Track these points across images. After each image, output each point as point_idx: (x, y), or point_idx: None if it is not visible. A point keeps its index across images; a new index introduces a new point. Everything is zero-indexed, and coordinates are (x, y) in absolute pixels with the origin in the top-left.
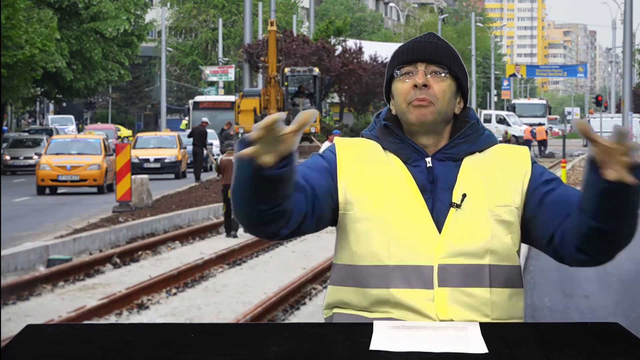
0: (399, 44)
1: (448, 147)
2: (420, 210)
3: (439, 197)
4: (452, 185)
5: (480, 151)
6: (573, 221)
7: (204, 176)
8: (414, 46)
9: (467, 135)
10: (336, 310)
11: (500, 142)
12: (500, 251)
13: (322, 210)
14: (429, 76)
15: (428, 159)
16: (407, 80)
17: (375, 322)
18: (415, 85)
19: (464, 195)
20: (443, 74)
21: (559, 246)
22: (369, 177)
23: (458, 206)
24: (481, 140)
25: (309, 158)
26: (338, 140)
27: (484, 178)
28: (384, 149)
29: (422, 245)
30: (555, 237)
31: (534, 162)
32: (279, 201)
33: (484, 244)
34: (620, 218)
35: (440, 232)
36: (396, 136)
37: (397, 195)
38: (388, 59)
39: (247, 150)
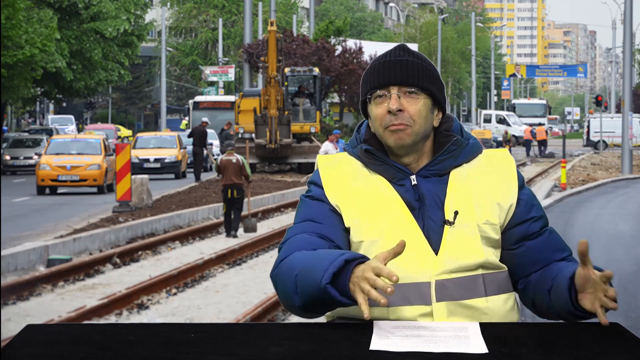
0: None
1: (432, 164)
2: (412, 230)
3: (428, 215)
4: (441, 201)
5: (467, 162)
6: (538, 290)
7: (204, 176)
8: (384, 67)
9: (450, 152)
10: (338, 318)
11: (500, 142)
12: (490, 262)
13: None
14: (402, 98)
15: (413, 177)
16: (382, 104)
17: (375, 322)
18: (389, 111)
19: (456, 213)
20: (417, 94)
21: (520, 291)
22: (359, 200)
23: (451, 223)
24: (466, 152)
25: (302, 208)
26: (321, 165)
27: (472, 193)
28: (368, 169)
29: (418, 263)
30: (519, 284)
31: (521, 185)
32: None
33: (477, 260)
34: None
35: (434, 249)
36: (378, 158)
37: (388, 215)
38: None
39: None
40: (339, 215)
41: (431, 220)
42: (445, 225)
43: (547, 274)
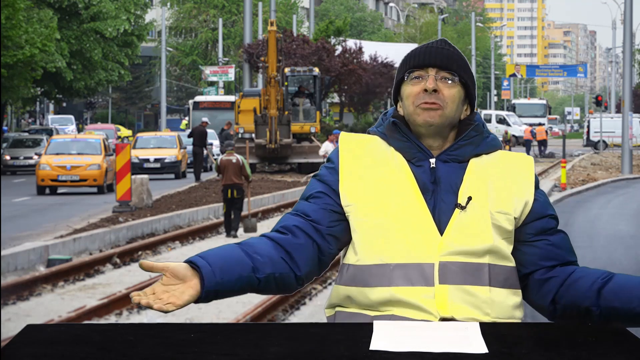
0: (399, 44)
1: (452, 149)
2: (420, 210)
3: (441, 198)
4: (456, 187)
5: (486, 153)
6: (577, 287)
7: (204, 176)
8: (426, 51)
9: (471, 137)
10: (339, 309)
11: (500, 142)
12: (498, 252)
13: (335, 232)
14: (439, 81)
15: (432, 160)
16: (418, 84)
17: (375, 322)
18: (425, 90)
19: (469, 198)
20: (453, 81)
21: (532, 284)
22: (371, 178)
23: (463, 208)
24: (486, 143)
25: (309, 185)
26: (343, 140)
27: (490, 182)
28: (390, 145)
29: (423, 244)
30: (534, 276)
31: (537, 186)
32: (256, 286)
33: (484, 245)
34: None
35: (442, 232)
36: (403, 134)
37: (398, 195)
38: (388, 59)
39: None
40: (335, 193)
41: (444, 203)
42: (456, 209)
43: (591, 274)
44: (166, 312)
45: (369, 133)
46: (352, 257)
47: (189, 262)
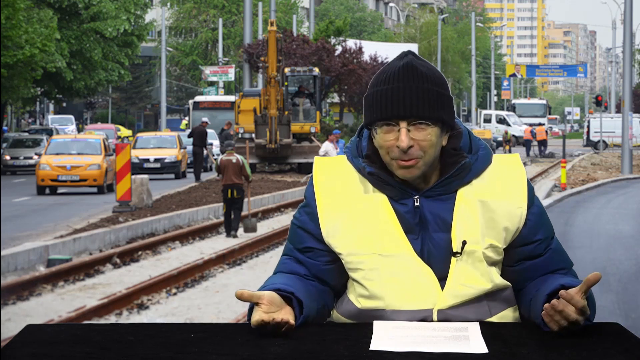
0: (399, 44)
1: (438, 186)
2: (409, 256)
3: (429, 238)
4: (444, 224)
5: (476, 177)
6: (521, 299)
7: (204, 176)
8: (392, 96)
9: (456, 174)
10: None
11: (500, 142)
12: (496, 286)
13: (338, 274)
14: (412, 130)
15: (416, 197)
16: (389, 132)
17: (375, 322)
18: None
19: (464, 243)
20: (428, 124)
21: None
22: (353, 218)
23: (460, 254)
24: (475, 168)
25: (290, 234)
26: (317, 172)
27: (480, 216)
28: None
29: (420, 293)
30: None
31: (531, 202)
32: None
33: (483, 289)
34: None
35: (436, 274)
36: (384, 181)
37: (383, 240)
38: (388, 59)
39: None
40: (324, 246)
41: (432, 244)
42: (452, 258)
43: (534, 284)
44: (288, 328)
45: (345, 154)
46: (352, 295)
47: (278, 290)
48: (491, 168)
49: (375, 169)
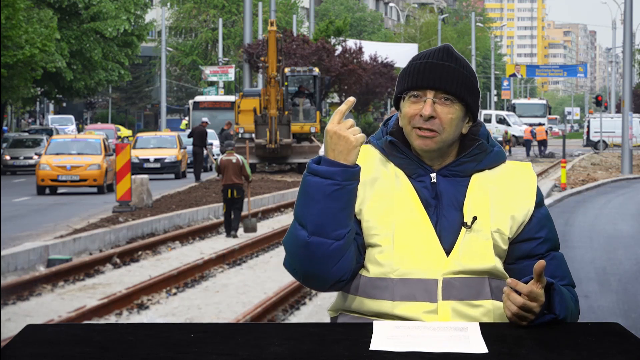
0: (399, 44)
1: (454, 165)
2: (424, 226)
3: (443, 214)
4: (458, 203)
5: (489, 168)
6: None
7: (204, 176)
8: (425, 69)
9: (474, 155)
10: (342, 312)
11: (500, 142)
12: (497, 270)
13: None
14: (436, 104)
15: (433, 175)
16: (415, 103)
17: (375, 322)
18: (421, 115)
19: (475, 218)
20: (453, 100)
21: None
22: (375, 192)
23: (469, 227)
24: (490, 158)
25: None
26: None
27: (491, 200)
28: (389, 160)
29: (428, 260)
30: None
31: (539, 204)
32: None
33: (487, 266)
34: None
35: (445, 248)
36: (402, 152)
37: (402, 211)
38: (388, 59)
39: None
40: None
41: (446, 219)
42: (462, 228)
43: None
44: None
45: (368, 142)
46: (362, 270)
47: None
48: (504, 167)
49: (396, 140)
